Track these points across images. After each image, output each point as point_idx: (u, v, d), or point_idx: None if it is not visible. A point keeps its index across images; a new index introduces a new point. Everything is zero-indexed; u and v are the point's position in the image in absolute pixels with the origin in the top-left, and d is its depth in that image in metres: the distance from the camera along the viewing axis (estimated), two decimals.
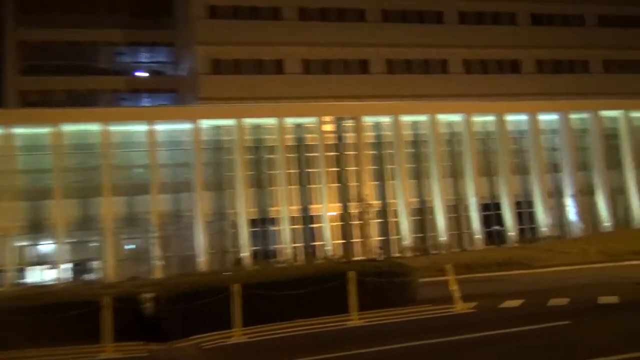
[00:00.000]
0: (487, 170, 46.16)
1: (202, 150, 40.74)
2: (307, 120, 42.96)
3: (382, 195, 43.89)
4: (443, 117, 44.88)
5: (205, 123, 41.20)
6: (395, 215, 43.40)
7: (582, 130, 48.68)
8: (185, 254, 39.73)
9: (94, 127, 39.47)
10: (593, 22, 58.17)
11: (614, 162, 48.64)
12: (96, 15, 51.99)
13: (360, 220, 41.56)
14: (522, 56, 55.56)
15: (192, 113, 41.35)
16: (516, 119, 46.90)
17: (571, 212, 45.46)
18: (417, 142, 45.13)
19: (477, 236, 43.44)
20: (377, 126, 44.68)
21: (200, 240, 39.44)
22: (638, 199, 47.41)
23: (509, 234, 44.11)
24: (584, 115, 48.05)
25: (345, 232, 42.94)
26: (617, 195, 48.46)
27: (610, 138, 48.92)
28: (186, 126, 40.82)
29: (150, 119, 39.97)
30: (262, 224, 41.77)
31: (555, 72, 56.33)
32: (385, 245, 43.17)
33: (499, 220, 45.33)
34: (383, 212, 43.54)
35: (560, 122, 47.37)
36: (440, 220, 43.10)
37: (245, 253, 39.89)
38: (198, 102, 46.98)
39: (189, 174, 40.59)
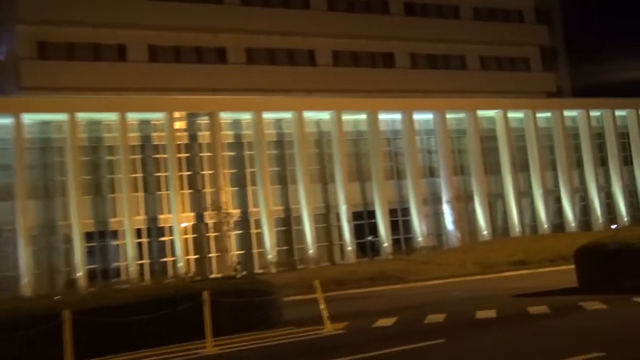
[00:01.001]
0: (359, 175, 47.48)
1: (25, 150, 38.75)
2: (155, 116, 42.10)
3: (242, 202, 43.90)
4: (310, 115, 45.65)
5: (30, 117, 39.24)
6: (258, 226, 43.56)
7: (459, 131, 51.34)
8: (4, 275, 37.54)
9: None
10: (468, 15, 61.57)
11: (492, 166, 51.72)
12: None
13: (217, 232, 41.31)
14: (395, 49, 57.73)
15: (13, 105, 39.23)
16: (390, 117, 48.64)
17: (448, 220, 47.69)
18: (281, 143, 45.58)
19: (348, 248, 44.53)
20: (236, 124, 44.65)
21: (24, 258, 37.44)
22: (516, 206, 50.61)
23: (383, 245, 45.61)
24: (461, 114, 50.68)
25: (200, 245, 42.50)
26: (496, 202, 51.56)
27: (489, 140, 51.96)
28: (5, 121, 38.67)
29: None
30: (100, 237, 40.41)
31: (430, 67, 59.05)
32: (246, 260, 43.18)
33: (373, 230, 46.76)
34: (243, 223, 43.56)
35: (435, 121, 49.63)
36: (308, 231, 43.78)
37: (80, 273, 38.37)
38: (20, 92, 44.64)
39: (9, 178, 38.45)
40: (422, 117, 49.75)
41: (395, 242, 46.93)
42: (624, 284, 19.00)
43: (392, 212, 47.20)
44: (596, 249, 20.00)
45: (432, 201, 49.33)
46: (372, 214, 46.67)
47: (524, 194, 52.59)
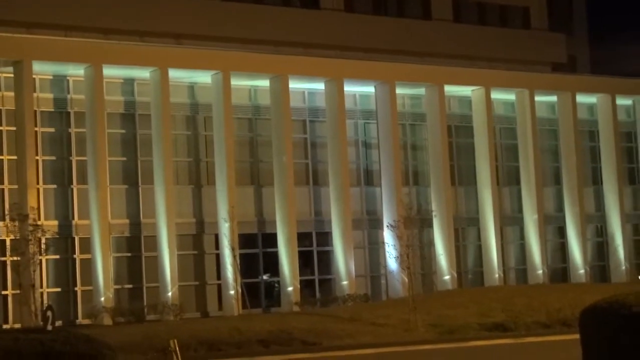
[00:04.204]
0: (253, 176, 48.06)
1: None
2: None
3: (63, 210, 43.74)
4: (180, 75, 45.81)
5: None
6: (85, 249, 43.39)
7: (415, 116, 52.45)
8: None
9: None
10: None
11: (464, 174, 53.06)
12: None
13: (18, 255, 40.92)
14: None
15: None
16: (307, 87, 49.67)
17: (389, 255, 48.38)
18: (131, 117, 45.63)
19: (231, 292, 44.81)
20: (58, 81, 44.45)
21: None
22: (497, 238, 51.90)
23: (287, 289, 46.11)
24: (419, 89, 51.80)
25: None
26: (467, 230, 52.79)
27: (460, 132, 53.20)
28: None
29: None
30: None
31: (374, 13, 59.90)
32: (63, 302, 42.96)
33: (271, 264, 47.22)
34: (63, 242, 43.34)
35: (379, 98, 50.44)
36: (167, 260, 43.82)
37: None
38: None
39: None
40: (359, 90, 50.71)
41: (307, 286, 47.60)
42: None
43: (303, 238, 47.89)
44: (613, 312, 20.46)
45: (367, 224, 50.24)
46: (270, 239, 47.16)
47: (510, 220, 54.15)
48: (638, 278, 53.41)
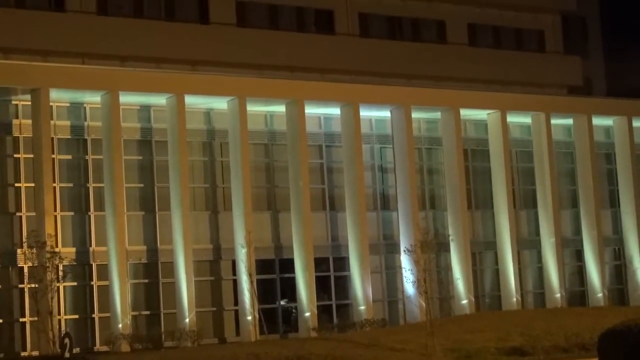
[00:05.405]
0: (269, 201, 48.34)
1: None
2: None
3: (80, 237, 43.93)
4: (196, 101, 46.08)
5: None
6: (103, 275, 43.57)
7: (432, 140, 52.85)
8: None
9: None
10: None
11: (480, 198, 53.31)
12: None
13: (35, 282, 41.15)
14: (334, 3, 58.70)
15: None
16: (323, 112, 49.86)
17: (406, 280, 48.51)
18: (148, 143, 45.84)
19: (248, 317, 44.93)
20: (76, 108, 44.67)
21: None
22: (515, 262, 51.99)
23: (304, 314, 46.19)
24: (435, 114, 52.22)
25: (7, 303, 42.25)
26: (485, 254, 52.92)
27: (477, 156, 53.55)
28: None
29: None
30: None
31: (389, 37, 60.32)
32: (80, 330, 43.16)
33: (288, 289, 47.41)
34: (81, 269, 43.62)
35: (395, 122, 50.69)
36: (184, 286, 43.95)
37: None
38: None
39: None
40: (375, 115, 51.03)
41: (324, 311, 47.72)
42: None
43: (320, 263, 47.98)
44: (632, 335, 20.72)
45: (384, 249, 50.42)
46: (287, 265, 47.29)
47: (528, 244, 54.29)
48: None
